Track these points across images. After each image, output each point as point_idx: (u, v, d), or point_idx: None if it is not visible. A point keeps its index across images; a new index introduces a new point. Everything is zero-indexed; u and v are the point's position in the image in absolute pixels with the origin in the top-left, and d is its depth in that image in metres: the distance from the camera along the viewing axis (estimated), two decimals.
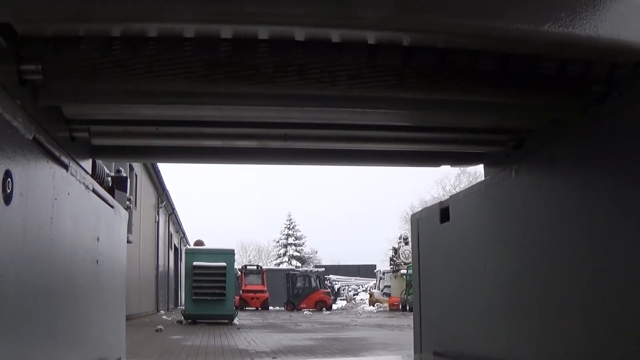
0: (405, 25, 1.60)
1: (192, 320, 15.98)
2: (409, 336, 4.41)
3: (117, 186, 3.34)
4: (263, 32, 1.65)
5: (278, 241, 64.34)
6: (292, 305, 31.00)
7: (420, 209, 3.84)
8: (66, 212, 2.05)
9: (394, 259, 31.39)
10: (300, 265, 54.22)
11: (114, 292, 3.01)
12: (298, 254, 62.57)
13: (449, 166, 3.22)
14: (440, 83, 1.99)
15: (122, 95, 1.94)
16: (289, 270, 37.79)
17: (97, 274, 2.56)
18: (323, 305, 30.44)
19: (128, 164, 11.84)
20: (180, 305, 29.04)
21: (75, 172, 2.19)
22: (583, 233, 1.99)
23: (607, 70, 1.85)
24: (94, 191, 2.47)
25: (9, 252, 1.50)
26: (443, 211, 3.14)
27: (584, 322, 1.96)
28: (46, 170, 1.87)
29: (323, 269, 39.94)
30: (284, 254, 62.61)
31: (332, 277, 43.53)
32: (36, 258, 1.73)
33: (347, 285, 45.70)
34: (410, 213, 8.32)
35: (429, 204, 4.09)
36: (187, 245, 30.74)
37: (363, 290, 43.16)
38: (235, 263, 19.22)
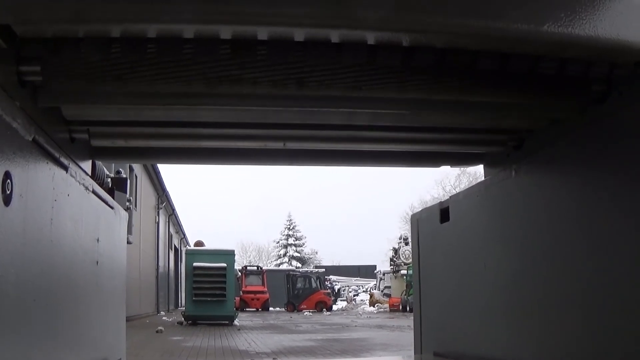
0: (405, 26, 1.60)
1: (193, 321, 15.96)
2: (409, 337, 4.41)
3: (117, 187, 3.34)
4: (263, 33, 1.65)
5: (278, 242, 64.31)
6: (293, 306, 30.96)
7: (420, 210, 3.84)
8: (66, 213, 2.05)
9: (394, 259, 31.35)
10: (300, 265, 54.18)
11: (114, 293, 3.01)
12: (298, 255, 62.54)
13: (449, 166, 3.22)
14: (440, 83, 1.99)
15: (122, 96, 1.94)
16: (289, 271, 37.72)
17: (97, 275, 2.56)
18: (323, 306, 30.41)
19: (128, 165, 11.84)
20: (181, 306, 29.03)
21: (75, 173, 2.19)
22: (583, 233, 1.98)
23: (607, 70, 1.85)
24: (93, 192, 2.47)
25: (9, 253, 1.50)
26: (443, 211, 3.14)
27: (584, 322, 1.96)
28: (46, 171, 1.87)
29: (323, 270, 39.89)
30: (284, 255, 62.56)
31: (333, 277, 43.49)
32: (36, 259, 1.73)
33: (348, 286, 45.66)
34: (410, 213, 8.32)
35: (429, 204, 4.08)
36: (187, 246, 30.71)
37: (363, 291, 43.14)
38: (236, 264, 19.18)
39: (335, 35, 1.67)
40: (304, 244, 64.39)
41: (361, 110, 2.12)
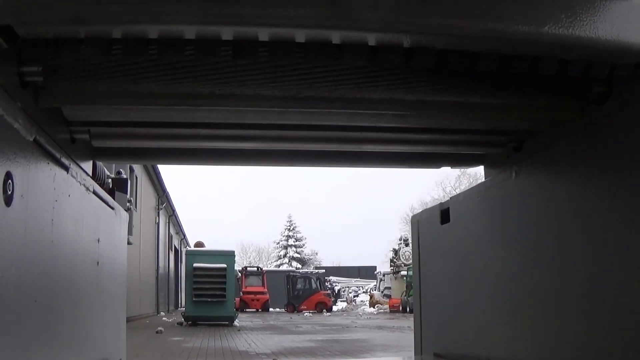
0: (405, 27, 1.60)
1: (193, 321, 15.95)
2: (409, 338, 4.41)
3: (118, 188, 3.34)
4: (263, 34, 1.65)
5: (278, 242, 64.28)
6: (293, 306, 30.94)
7: (420, 211, 3.84)
8: (67, 213, 2.05)
9: (394, 260, 31.33)
10: (300, 266, 54.12)
11: (115, 293, 3.01)
12: (298, 256, 62.51)
13: (449, 167, 3.22)
14: (440, 84, 1.99)
15: (123, 97, 1.95)
16: (289, 271, 37.71)
17: (97, 275, 2.56)
18: (323, 306, 30.38)
19: (128, 165, 11.83)
20: (181, 307, 29.01)
21: (76, 173, 2.19)
22: (583, 234, 1.99)
23: (607, 71, 1.85)
24: (94, 193, 2.47)
25: (10, 253, 1.51)
26: (443, 212, 3.14)
27: (584, 324, 1.96)
28: (47, 172, 1.87)
29: (323, 271, 39.84)
30: (284, 256, 62.54)
31: (333, 278, 43.47)
32: (37, 260, 1.74)
33: (348, 287, 45.65)
34: (411, 214, 8.32)
35: (429, 206, 4.08)
36: (188, 247, 30.70)
37: (363, 292, 43.11)
38: (236, 264, 19.17)
39: (336, 37, 1.67)
40: (304, 244, 64.39)
41: (362, 111, 2.12)
